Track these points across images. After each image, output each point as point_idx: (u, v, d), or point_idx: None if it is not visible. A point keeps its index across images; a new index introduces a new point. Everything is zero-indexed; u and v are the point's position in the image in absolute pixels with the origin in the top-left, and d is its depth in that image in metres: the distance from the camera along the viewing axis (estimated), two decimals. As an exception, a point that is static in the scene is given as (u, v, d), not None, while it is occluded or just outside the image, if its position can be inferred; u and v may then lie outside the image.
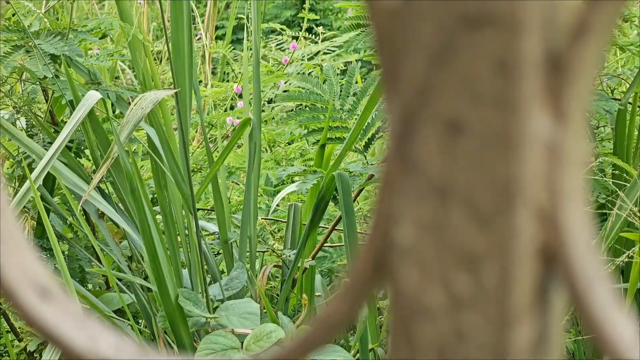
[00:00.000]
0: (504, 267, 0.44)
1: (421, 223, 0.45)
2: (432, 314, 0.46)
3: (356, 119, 2.68)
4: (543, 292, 0.45)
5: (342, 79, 2.87)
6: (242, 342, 2.21)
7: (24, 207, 2.48)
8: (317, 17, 4.25)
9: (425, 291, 0.46)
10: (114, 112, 2.85)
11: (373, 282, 0.47)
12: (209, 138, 3.45)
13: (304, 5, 5.70)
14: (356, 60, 3.94)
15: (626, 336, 0.44)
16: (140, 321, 2.59)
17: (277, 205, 3.12)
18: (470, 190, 0.44)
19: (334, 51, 3.75)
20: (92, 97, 2.23)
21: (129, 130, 2.22)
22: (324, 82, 2.87)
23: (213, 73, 4.26)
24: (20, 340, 2.56)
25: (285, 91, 4.18)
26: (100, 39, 2.63)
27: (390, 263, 0.46)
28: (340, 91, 2.83)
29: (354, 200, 2.88)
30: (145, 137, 2.50)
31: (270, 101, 3.99)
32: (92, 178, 2.47)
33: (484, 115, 0.44)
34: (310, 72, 3.78)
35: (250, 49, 2.98)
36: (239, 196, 3.34)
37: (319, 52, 3.78)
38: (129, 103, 2.54)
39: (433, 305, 0.45)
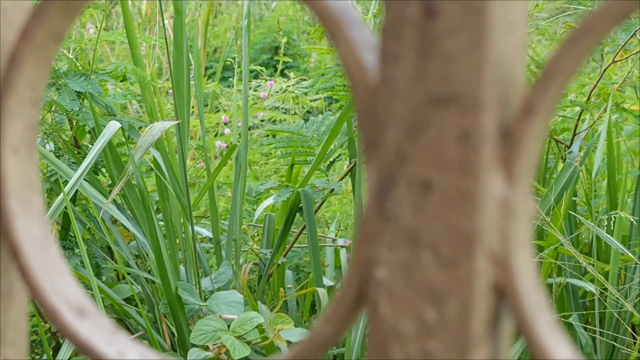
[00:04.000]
0: (464, 302, 0.43)
1: (395, 264, 0.44)
2: (404, 339, 0.44)
3: (321, 146, 2.67)
4: (495, 322, 0.44)
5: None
6: (229, 326, 2.19)
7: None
8: (290, 60, 4.25)
9: (398, 320, 0.44)
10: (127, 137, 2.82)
11: (354, 310, 0.46)
12: (201, 158, 3.43)
13: (278, 51, 5.68)
14: (324, 99, 3.93)
15: (566, 358, 0.44)
16: (144, 307, 2.57)
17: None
18: (437, 239, 0.43)
19: (305, 93, 3.75)
20: (114, 125, 2.20)
21: (141, 152, 2.20)
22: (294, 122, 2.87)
23: (205, 105, 4.23)
24: (45, 322, 2.52)
25: (262, 120, 4.17)
26: (121, 81, 2.60)
27: (369, 295, 0.45)
28: (313, 126, 2.82)
29: (319, 209, 2.88)
30: (149, 158, 2.48)
31: (250, 128, 3.97)
32: (107, 191, 2.44)
33: (449, 178, 0.43)
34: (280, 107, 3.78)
35: (239, 88, 2.97)
36: (225, 204, 3.31)
37: (287, 88, 3.77)
38: (137, 130, 2.52)
39: (404, 332, 0.44)
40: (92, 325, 0.52)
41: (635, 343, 2.39)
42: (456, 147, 0.43)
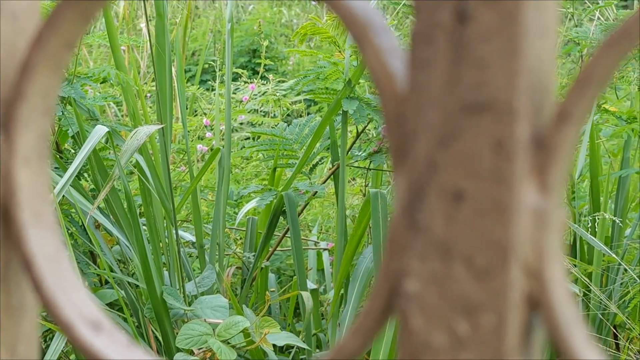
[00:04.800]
0: (499, 314, 0.42)
1: (426, 276, 0.43)
2: (436, 352, 0.43)
3: (304, 149, 2.66)
4: (528, 334, 0.43)
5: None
6: (214, 330, 2.18)
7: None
8: (272, 63, 4.24)
9: (430, 333, 0.43)
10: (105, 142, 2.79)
11: (382, 322, 0.45)
12: (182, 161, 3.41)
13: (256, 53, 5.66)
14: (303, 101, 3.92)
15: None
16: (128, 312, 2.54)
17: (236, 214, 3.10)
18: (470, 250, 0.42)
19: (284, 95, 3.73)
20: (101, 130, 2.17)
21: (127, 156, 2.18)
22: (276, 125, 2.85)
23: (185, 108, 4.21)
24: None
25: (241, 123, 4.15)
26: (101, 83, 2.58)
27: (399, 307, 0.44)
28: (296, 130, 2.80)
29: (301, 212, 2.86)
30: (130, 162, 2.45)
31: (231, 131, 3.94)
32: (90, 195, 2.42)
33: (482, 187, 0.42)
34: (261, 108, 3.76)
35: (219, 91, 2.95)
36: (206, 207, 3.29)
37: (267, 91, 3.76)
38: (119, 134, 2.50)
39: (437, 344, 0.43)
40: (108, 339, 0.50)
41: (617, 344, 2.39)
42: (490, 156, 0.41)
